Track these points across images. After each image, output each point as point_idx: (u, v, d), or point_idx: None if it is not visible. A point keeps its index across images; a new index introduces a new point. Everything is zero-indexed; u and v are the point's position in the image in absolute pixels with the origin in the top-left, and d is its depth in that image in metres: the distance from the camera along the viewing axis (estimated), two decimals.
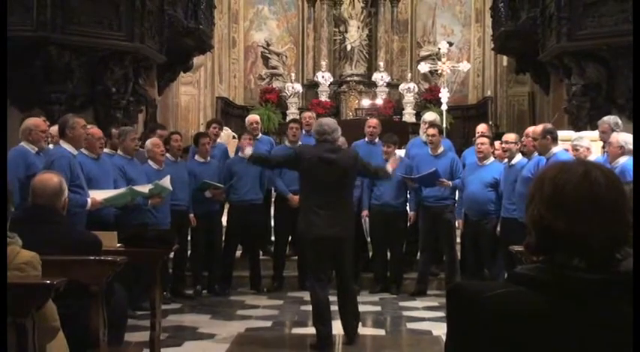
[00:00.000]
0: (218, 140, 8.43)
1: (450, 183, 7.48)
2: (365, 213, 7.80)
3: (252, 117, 9.00)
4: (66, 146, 5.68)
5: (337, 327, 5.65)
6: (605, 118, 6.82)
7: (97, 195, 5.80)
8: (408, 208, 7.88)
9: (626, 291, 1.38)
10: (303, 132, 8.42)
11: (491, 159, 7.38)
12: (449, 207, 7.65)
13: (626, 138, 5.87)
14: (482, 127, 8.07)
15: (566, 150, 6.44)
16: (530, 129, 6.78)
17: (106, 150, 6.49)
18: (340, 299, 5.57)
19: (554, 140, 6.29)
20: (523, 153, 6.88)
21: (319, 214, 5.36)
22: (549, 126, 6.59)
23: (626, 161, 5.71)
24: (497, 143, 7.51)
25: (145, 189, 6.34)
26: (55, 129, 6.02)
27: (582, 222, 1.41)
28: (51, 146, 6.27)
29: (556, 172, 1.48)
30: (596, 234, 1.40)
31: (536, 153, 6.46)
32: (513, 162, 6.92)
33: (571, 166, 1.48)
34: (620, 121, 6.75)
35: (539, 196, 1.48)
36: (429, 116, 8.82)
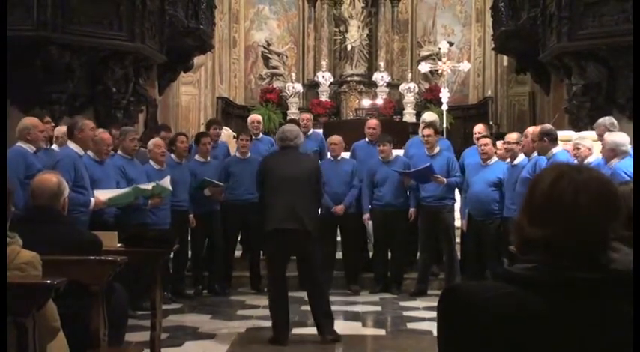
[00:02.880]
0: (219, 139, 8.45)
1: (445, 180, 7.50)
2: (366, 216, 7.81)
3: (254, 117, 9.05)
4: (73, 146, 5.73)
5: (339, 326, 5.64)
6: (600, 120, 6.83)
7: (102, 195, 5.83)
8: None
9: (625, 290, 1.38)
10: None
11: (495, 159, 7.38)
12: (448, 207, 7.67)
13: (616, 139, 5.86)
14: (479, 128, 8.07)
15: (567, 150, 6.45)
16: (530, 130, 6.79)
17: None
18: (308, 297, 5.61)
19: (553, 141, 6.28)
20: (525, 153, 6.88)
21: (277, 208, 5.43)
22: (547, 127, 6.58)
23: (617, 163, 5.71)
24: (499, 143, 7.52)
25: (148, 186, 6.38)
26: (62, 129, 6.05)
27: (549, 229, 1.41)
28: (55, 146, 6.30)
29: (536, 178, 1.49)
30: (568, 238, 1.40)
31: (535, 154, 6.46)
32: (516, 161, 6.93)
33: (548, 171, 1.48)
34: (615, 122, 6.76)
35: (523, 200, 1.49)
36: (429, 116, 8.83)
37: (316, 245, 5.68)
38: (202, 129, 11.15)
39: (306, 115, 9.17)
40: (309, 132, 8.57)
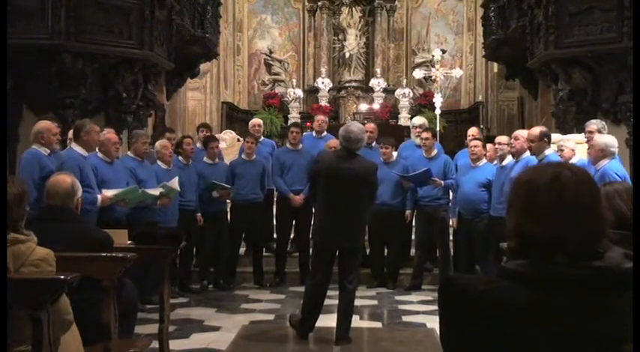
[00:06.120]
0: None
1: (442, 182, 7.49)
2: None
3: (255, 121, 9.04)
4: (77, 148, 5.71)
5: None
6: (593, 121, 6.85)
7: (108, 192, 5.83)
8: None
9: (612, 286, 1.38)
10: (314, 134, 8.49)
11: (484, 160, 7.38)
12: (442, 207, 7.67)
13: (607, 141, 5.85)
14: (473, 131, 8.07)
15: (556, 151, 6.45)
16: (520, 132, 6.77)
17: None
18: (339, 299, 5.49)
19: (549, 142, 6.31)
20: (512, 155, 6.87)
21: (328, 220, 5.28)
22: (545, 129, 6.58)
23: (606, 164, 5.70)
24: (489, 145, 7.51)
25: (156, 192, 6.38)
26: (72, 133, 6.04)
27: (556, 226, 1.40)
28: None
29: (528, 178, 1.47)
30: (572, 235, 1.39)
31: (524, 155, 6.45)
32: (504, 163, 6.92)
33: (542, 170, 1.47)
34: (605, 124, 6.77)
35: (516, 203, 1.47)
36: (418, 120, 8.83)
37: (360, 254, 5.62)
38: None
39: (321, 117, 9.02)
40: (323, 134, 8.59)
